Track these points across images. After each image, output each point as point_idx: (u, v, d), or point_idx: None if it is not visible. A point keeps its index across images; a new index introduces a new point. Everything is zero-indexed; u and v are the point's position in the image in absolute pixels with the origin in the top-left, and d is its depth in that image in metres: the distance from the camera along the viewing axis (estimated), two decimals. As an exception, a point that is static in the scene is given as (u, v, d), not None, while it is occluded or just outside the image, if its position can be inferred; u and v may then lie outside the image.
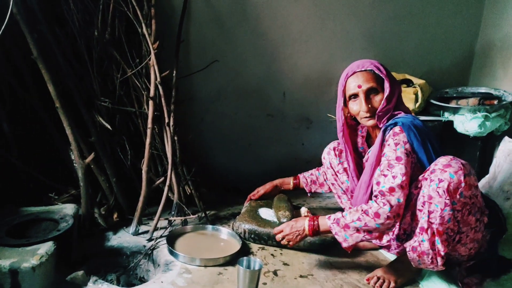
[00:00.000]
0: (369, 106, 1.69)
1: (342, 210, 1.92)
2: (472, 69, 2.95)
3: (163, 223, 2.13)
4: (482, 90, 2.72)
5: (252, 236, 2.02)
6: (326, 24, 2.69)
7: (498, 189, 2.32)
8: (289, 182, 2.25)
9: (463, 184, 1.44)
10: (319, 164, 2.22)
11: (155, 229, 2.06)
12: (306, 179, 2.22)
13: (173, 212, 2.18)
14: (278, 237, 1.80)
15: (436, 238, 1.50)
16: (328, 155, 2.09)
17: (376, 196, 1.59)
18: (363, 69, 1.69)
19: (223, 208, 2.46)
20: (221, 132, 2.78)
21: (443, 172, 1.46)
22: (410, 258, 1.62)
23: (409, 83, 2.66)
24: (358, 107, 1.72)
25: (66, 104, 1.94)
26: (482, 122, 2.46)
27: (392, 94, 1.67)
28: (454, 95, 2.75)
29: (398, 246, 1.68)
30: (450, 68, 2.92)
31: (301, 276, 1.78)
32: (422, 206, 1.52)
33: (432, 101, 2.62)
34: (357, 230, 1.59)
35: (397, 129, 1.60)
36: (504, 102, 2.50)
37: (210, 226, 2.13)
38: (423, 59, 2.88)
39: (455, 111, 2.55)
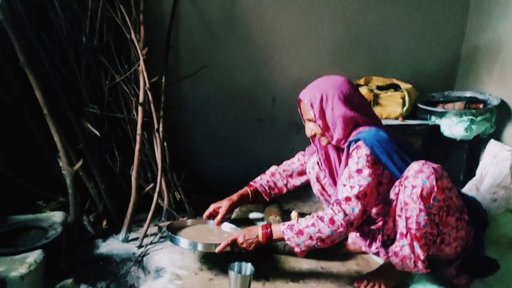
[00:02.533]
0: (311, 131, 1.76)
1: None
2: (458, 74, 2.99)
3: (153, 229, 2.12)
4: (468, 94, 2.76)
5: (243, 241, 2.01)
6: (314, 30, 2.71)
7: (485, 191, 2.36)
8: (247, 193, 2.08)
9: (435, 189, 1.46)
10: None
11: (145, 235, 2.05)
12: (264, 187, 2.11)
13: (163, 218, 2.18)
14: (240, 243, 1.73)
15: (415, 243, 1.53)
16: (312, 169, 2.02)
17: (332, 204, 1.60)
18: (303, 99, 1.71)
19: (214, 214, 2.44)
20: (211, 138, 2.78)
21: (416, 178, 1.48)
22: (393, 263, 1.65)
23: (396, 87, 2.69)
24: None
25: (54, 110, 1.93)
26: (468, 125, 2.49)
27: (327, 128, 1.69)
28: (441, 99, 2.78)
29: (386, 252, 1.70)
30: (436, 72, 2.96)
31: (292, 281, 1.78)
32: (400, 212, 1.55)
33: (419, 105, 2.65)
34: (310, 236, 1.60)
35: (360, 143, 1.61)
36: (489, 106, 2.53)
37: (211, 221, 2.02)
38: (410, 64, 2.91)
39: (441, 115, 2.58)
